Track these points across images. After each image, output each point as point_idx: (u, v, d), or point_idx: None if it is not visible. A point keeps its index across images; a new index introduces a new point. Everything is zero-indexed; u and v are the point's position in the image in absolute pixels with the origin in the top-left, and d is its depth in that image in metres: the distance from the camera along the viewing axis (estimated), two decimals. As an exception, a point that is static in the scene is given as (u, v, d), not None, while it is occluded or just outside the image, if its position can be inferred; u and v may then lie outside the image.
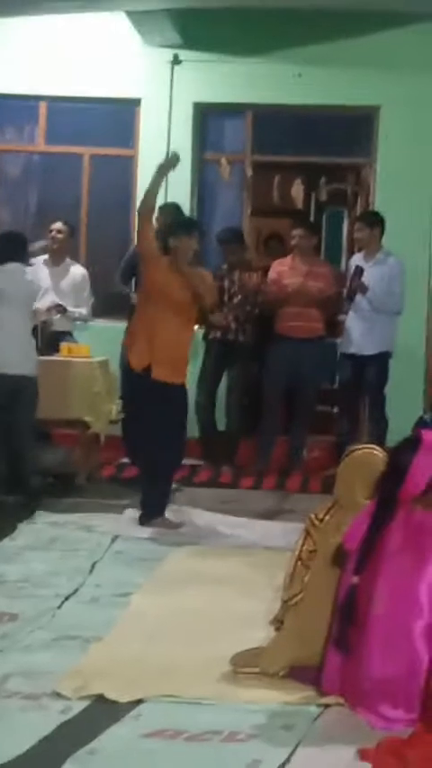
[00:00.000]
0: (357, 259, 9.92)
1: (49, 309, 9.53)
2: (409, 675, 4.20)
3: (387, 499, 4.43)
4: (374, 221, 9.88)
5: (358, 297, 9.65)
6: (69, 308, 9.77)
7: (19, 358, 8.16)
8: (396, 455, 4.51)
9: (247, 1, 10.41)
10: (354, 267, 9.73)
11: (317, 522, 4.67)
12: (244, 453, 10.03)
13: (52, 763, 3.78)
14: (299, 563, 4.64)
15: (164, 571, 6.49)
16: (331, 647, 4.45)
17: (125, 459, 9.75)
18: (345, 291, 9.78)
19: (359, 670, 4.30)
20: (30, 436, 8.35)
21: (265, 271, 10.37)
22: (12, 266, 8.25)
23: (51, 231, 9.93)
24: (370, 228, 9.82)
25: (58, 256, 9.87)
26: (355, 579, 4.37)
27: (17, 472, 8.31)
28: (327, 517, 4.66)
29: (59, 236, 9.89)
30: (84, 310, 9.97)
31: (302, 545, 4.67)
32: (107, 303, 10.56)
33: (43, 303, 9.62)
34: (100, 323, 10.57)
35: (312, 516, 4.70)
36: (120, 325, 10.02)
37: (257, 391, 10.24)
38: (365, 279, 9.60)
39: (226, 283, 9.83)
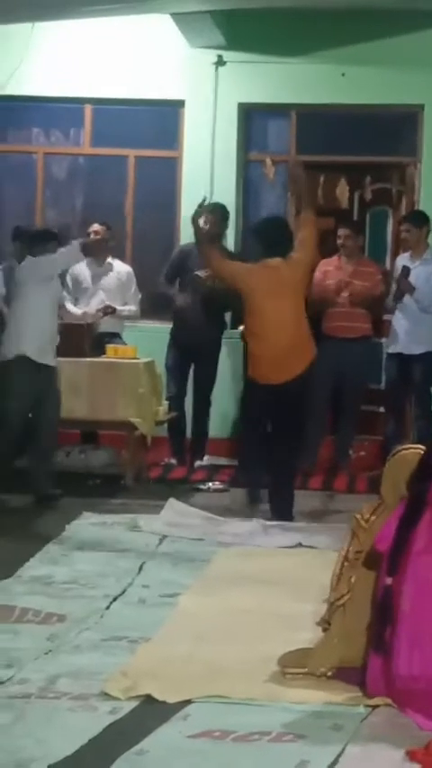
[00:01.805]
0: (404, 259, 9.89)
1: (97, 311, 9.58)
2: None
3: (416, 500, 4.43)
4: (423, 221, 9.85)
5: (406, 297, 9.62)
6: (118, 307, 9.80)
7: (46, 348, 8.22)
8: (427, 456, 4.51)
9: (291, 1, 10.40)
10: (401, 268, 9.70)
11: (363, 523, 4.66)
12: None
13: (101, 763, 3.80)
14: (345, 564, 4.64)
15: (211, 572, 6.50)
16: (372, 649, 4.45)
17: (171, 461, 9.81)
18: (392, 292, 9.76)
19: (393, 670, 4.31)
20: (50, 429, 8.36)
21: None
22: (30, 259, 8.37)
23: (90, 233, 9.98)
24: (419, 229, 9.79)
25: (99, 256, 9.90)
26: (388, 580, 4.37)
27: (34, 469, 8.31)
28: (373, 517, 4.65)
29: (97, 236, 9.93)
30: (133, 307, 10.00)
31: (349, 546, 4.66)
32: (153, 304, 10.58)
33: (92, 305, 9.68)
34: (146, 324, 10.60)
35: (358, 516, 4.69)
36: (165, 326, 10.10)
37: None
38: (412, 279, 9.57)
39: None
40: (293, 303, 7.95)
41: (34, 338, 8.21)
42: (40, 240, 8.47)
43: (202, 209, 8.28)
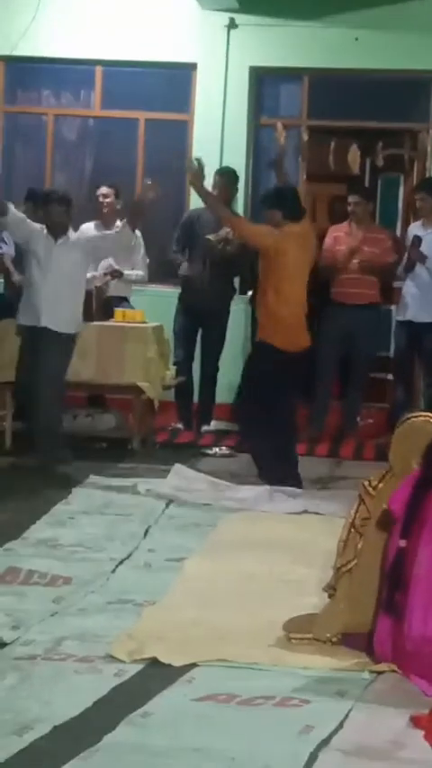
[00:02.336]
0: (416, 227, 9.84)
1: (105, 274, 9.55)
2: None
3: None
4: None
5: (417, 266, 9.59)
6: (126, 271, 9.77)
7: (51, 313, 8.12)
8: None
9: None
10: (412, 237, 9.65)
11: (370, 490, 4.66)
12: (298, 420, 10.00)
13: (106, 725, 3.81)
14: (352, 530, 4.64)
15: (217, 536, 6.50)
16: (381, 613, 4.45)
17: (178, 426, 9.81)
18: (403, 261, 9.72)
19: (404, 632, 4.31)
20: (50, 394, 8.18)
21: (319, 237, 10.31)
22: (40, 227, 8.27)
23: (98, 196, 9.94)
24: (432, 197, 9.72)
25: (107, 220, 9.84)
26: (402, 543, 4.37)
27: (35, 429, 8.28)
28: (380, 485, 4.64)
29: (107, 200, 9.89)
30: (141, 272, 9.97)
31: (356, 512, 4.66)
32: (162, 269, 10.55)
33: (99, 268, 9.65)
34: (154, 288, 10.57)
35: (366, 483, 4.69)
36: (173, 291, 10.07)
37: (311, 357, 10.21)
38: (424, 247, 9.53)
39: None
40: (308, 269, 7.96)
41: (74, 313, 8.25)
42: (56, 204, 8.34)
43: (195, 169, 8.19)
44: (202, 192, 8.13)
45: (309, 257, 7.93)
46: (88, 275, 9.20)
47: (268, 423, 7.84)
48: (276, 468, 7.84)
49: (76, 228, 8.72)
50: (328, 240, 9.90)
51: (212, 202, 8.29)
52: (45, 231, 8.19)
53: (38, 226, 8.24)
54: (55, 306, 8.08)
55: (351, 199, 9.97)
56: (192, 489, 7.63)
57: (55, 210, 8.19)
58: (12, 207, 8.27)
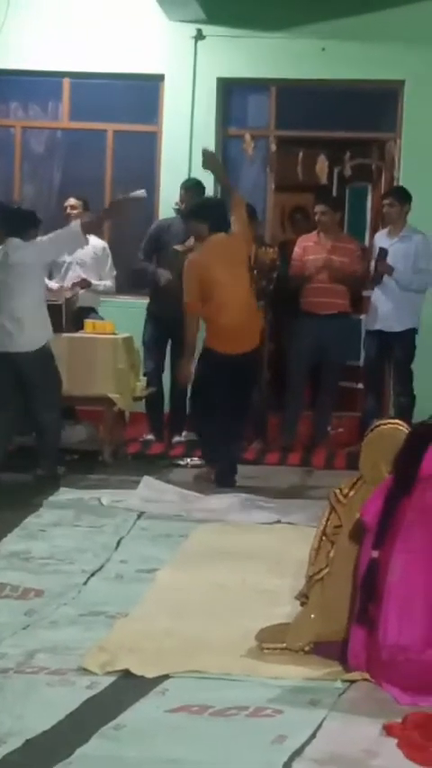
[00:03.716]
0: (381, 236, 9.87)
1: (73, 285, 9.53)
2: (424, 644, 4.22)
3: (404, 475, 4.45)
4: (406, 198, 9.79)
5: (385, 277, 9.61)
6: (94, 282, 9.76)
7: (17, 335, 8.10)
8: (417, 432, 4.52)
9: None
10: (378, 250, 9.68)
11: (341, 498, 4.67)
12: (269, 429, 10.01)
13: (78, 738, 3.79)
14: (324, 538, 4.65)
15: (189, 547, 6.50)
16: (354, 624, 4.46)
17: (150, 437, 9.79)
18: (371, 274, 9.75)
19: (378, 641, 4.32)
20: (48, 411, 8.27)
21: (282, 246, 10.34)
22: (12, 242, 8.20)
23: (66, 207, 9.94)
24: (401, 204, 9.74)
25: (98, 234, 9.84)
26: (374, 554, 4.38)
27: (39, 448, 8.30)
28: (351, 493, 4.66)
29: (73, 211, 9.89)
30: (108, 282, 9.97)
31: (327, 520, 4.67)
32: (131, 279, 10.54)
33: (67, 280, 9.64)
34: (124, 299, 10.57)
35: (337, 491, 4.70)
36: (142, 302, 10.06)
37: (280, 367, 10.24)
38: (390, 257, 9.56)
39: None
40: (245, 274, 8.36)
41: (39, 326, 8.22)
42: (23, 224, 8.32)
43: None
44: (222, 178, 8.78)
45: (239, 261, 8.28)
46: (55, 286, 9.21)
47: (213, 421, 8.22)
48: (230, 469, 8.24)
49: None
50: (297, 250, 9.92)
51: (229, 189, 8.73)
52: None
53: None
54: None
55: (318, 208, 9.98)
56: (162, 500, 7.62)
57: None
58: None
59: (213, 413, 8.22)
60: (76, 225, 8.52)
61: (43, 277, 8.54)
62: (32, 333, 8.14)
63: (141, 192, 8.54)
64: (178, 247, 9.52)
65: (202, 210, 8.40)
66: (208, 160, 8.59)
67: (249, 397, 8.57)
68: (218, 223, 8.20)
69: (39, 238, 8.31)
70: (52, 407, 8.27)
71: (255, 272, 9.72)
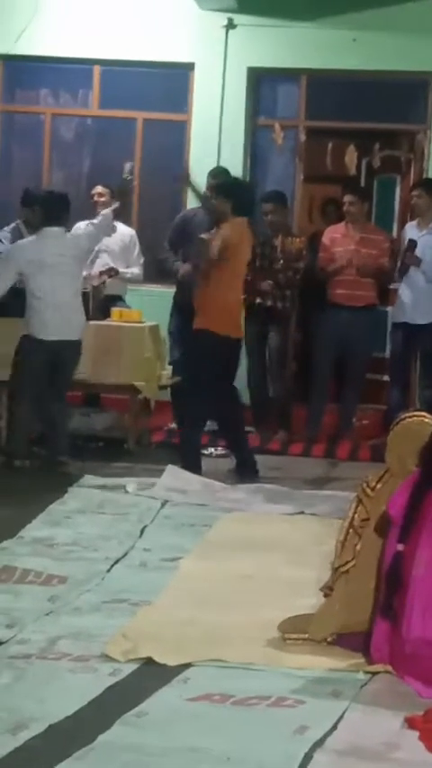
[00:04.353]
0: (411, 228, 9.84)
1: (101, 274, 9.53)
2: None
3: (431, 469, 4.43)
4: None
5: (412, 269, 9.58)
6: (121, 270, 9.77)
7: (59, 324, 8.11)
8: None
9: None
10: (407, 241, 9.65)
11: (369, 491, 4.65)
12: (294, 421, 10.01)
13: (101, 724, 3.80)
14: (351, 531, 4.64)
15: (212, 537, 6.50)
16: (378, 617, 4.45)
17: (174, 426, 9.78)
18: (398, 265, 9.72)
19: (401, 634, 4.31)
20: (63, 400, 8.35)
21: (310, 238, 10.31)
22: (51, 231, 8.20)
23: (93, 195, 9.93)
24: (429, 196, 9.69)
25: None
26: (400, 547, 4.37)
27: (50, 436, 8.30)
28: (379, 485, 4.64)
29: (101, 199, 9.88)
30: (136, 269, 9.96)
31: (354, 512, 4.66)
32: (158, 268, 10.53)
33: (95, 267, 9.64)
34: (151, 288, 10.57)
35: (365, 484, 4.69)
36: (169, 291, 10.06)
37: (306, 358, 10.22)
38: (419, 249, 9.53)
39: (267, 249, 9.77)
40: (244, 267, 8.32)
41: (79, 315, 8.27)
42: (61, 209, 8.33)
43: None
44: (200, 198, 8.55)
45: (245, 250, 8.20)
46: (84, 273, 9.21)
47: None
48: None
49: (69, 228, 8.70)
50: (324, 241, 9.89)
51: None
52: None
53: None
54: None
55: (347, 198, 9.95)
56: (186, 490, 7.63)
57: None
58: None
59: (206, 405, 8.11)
60: (108, 212, 8.54)
61: (82, 267, 8.55)
62: (74, 322, 8.17)
63: (128, 166, 8.59)
64: (204, 236, 9.49)
65: (229, 189, 8.31)
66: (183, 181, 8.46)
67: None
68: (242, 206, 8.05)
69: (77, 225, 8.32)
70: (65, 396, 8.31)
71: (281, 261, 9.73)
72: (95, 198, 9.91)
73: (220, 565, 5.83)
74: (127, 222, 10.40)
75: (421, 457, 4.52)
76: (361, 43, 10.90)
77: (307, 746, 3.70)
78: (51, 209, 8.27)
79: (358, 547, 4.61)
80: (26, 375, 8.13)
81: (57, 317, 8.08)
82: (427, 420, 4.71)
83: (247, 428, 9.78)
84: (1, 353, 8.55)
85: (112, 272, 9.65)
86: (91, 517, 6.83)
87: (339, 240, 9.85)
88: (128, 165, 8.70)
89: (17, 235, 9.12)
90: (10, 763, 3.52)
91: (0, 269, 8.21)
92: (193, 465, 8.02)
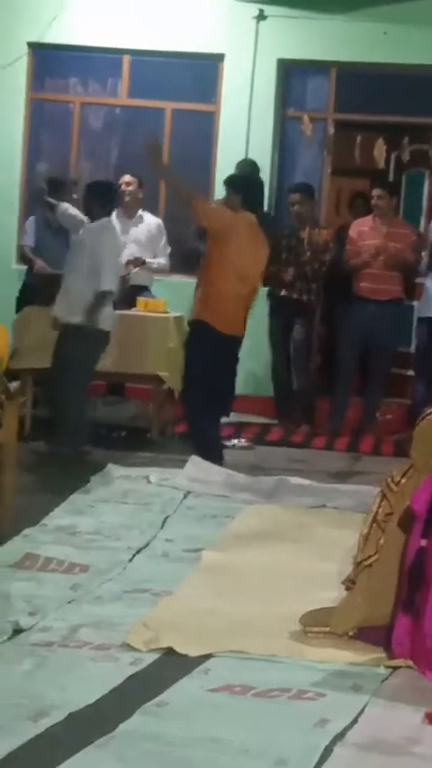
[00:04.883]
0: (439, 223, 9.83)
1: (127, 264, 9.54)
2: None
3: None
4: None
5: (440, 263, 9.58)
6: (148, 260, 9.76)
7: (107, 314, 8.09)
8: None
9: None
10: (435, 234, 9.64)
11: (393, 486, 4.64)
12: (318, 414, 10.00)
13: (121, 713, 3.81)
14: (374, 525, 4.63)
15: (234, 528, 6.50)
16: (400, 612, 4.45)
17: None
18: (425, 258, 9.69)
19: (423, 629, 4.30)
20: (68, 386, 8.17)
21: (338, 230, 10.29)
22: (102, 222, 8.19)
23: (120, 184, 9.93)
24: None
25: (130, 208, 9.84)
26: (423, 542, 4.36)
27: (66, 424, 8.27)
28: (403, 480, 4.63)
29: (129, 188, 9.87)
30: (163, 260, 9.95)
31: (378, 507, 4.65)
32: (184, 258, 10.54)
33: (122, 257, 9.63)
34: (177, 278, 10.56)
35: (389, 479, 4.68)
36: (195, 281, 10.05)
37: (330, 352, 10.21)
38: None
39: (293, 241, 9.76)
40: (258, 271, 8.16)
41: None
42: (110, 198, 8.33)
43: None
44: (160, 167, 8.34)
45: (258, 252, 8.05)
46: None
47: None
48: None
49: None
50: (351, 235, 9.88)
51: (169, 177, 8.49)
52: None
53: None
54: None
55: (375, 192, 9.94)
56: (208, 481, 7.63)
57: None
58: None
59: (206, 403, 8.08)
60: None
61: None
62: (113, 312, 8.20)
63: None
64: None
65: (239, 182, 8.32)
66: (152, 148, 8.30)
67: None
68: (250, 201, 8.05)
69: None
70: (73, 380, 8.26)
71: (308, 253, 9.72)
72: (123, 187, 9.91)
73: (242, 556, 5.83)
74: (154, 212, 10.40)
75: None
76: (391, 36, 10.86)
77: (327, 739, 3.69)
78: (106, 200, 8.27)
79: (381, 541, 4.60)
80: (91, 365, 8.14)
81: (111, 307, 8.16)
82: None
83: (271, 420, 9.85)
84: (31, 342, 8.63)
85: (138, 262, 9.66)
86: (114, 506, 6.84)
87: (366, 233, 9.84)
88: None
89: (42, 224, 9.18)
90: (31, 750, 3.53)
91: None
92: (212, 457, 7.99)
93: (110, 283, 8.02)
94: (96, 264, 7.99)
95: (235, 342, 8.09)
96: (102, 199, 8.28)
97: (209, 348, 7.92)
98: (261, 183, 8.63)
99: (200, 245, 9.85)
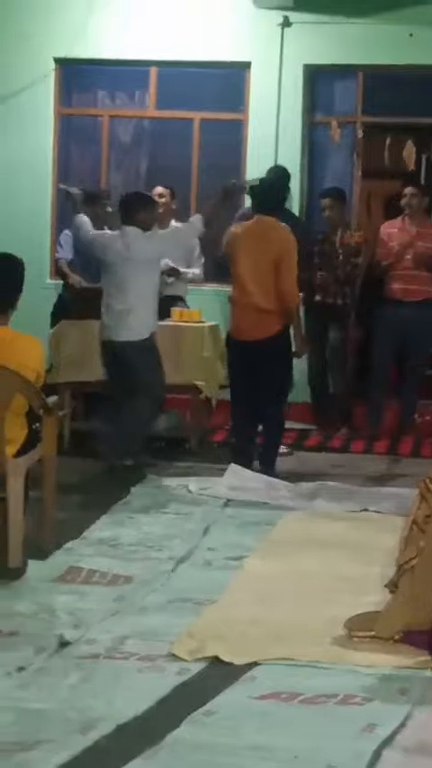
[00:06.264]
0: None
1: (162, 273, 9.53)
2: None
3: None
4: None
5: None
6: (182, 270, 9.77)
7: (120, 325, 8.09)
8: None
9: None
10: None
11: (431, 487, 4.64)
12: (355, 417, 9.98)
13: (169, 724, 3.82)
14: (414, 527, 4.63)
15: (276, 535, 6.51)
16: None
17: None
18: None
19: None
20: (137, 400, 8.13)
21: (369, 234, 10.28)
22: (130, 232, 8.19)
23: (153, 196, 9.92)
24: None
25: (162, 219, 9.84)
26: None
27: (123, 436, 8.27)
28: (442, 482, 4.63)
29: (162, 199, 9.86)
30: (197, 270, 9.94)
31: (418, 509, 4.65)
32: (217, 268, 10.54)
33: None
34: (211, 287, 10.58)
35: (427, 480, 4.68)
36: (228, 290, 10.06)
37: (365, 355, 10.19)
38: None
39: (326, 246, 9.76)
40: (268, 267, 8.09)
41: (145, 318, 8.15)
42: (140, 209, 8.32)
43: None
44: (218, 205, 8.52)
45: (265, 251, 8.04)
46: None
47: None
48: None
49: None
50: (382, 237, 9.86)
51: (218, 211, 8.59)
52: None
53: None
54: None
55: (408, 190, 9.88)
56: (248, 488, 7.63)
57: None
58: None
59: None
60: (197, 219, 8.49)
61: (159, 270, 8.53)
62: (136, 324, 8.12)
63: (254, 180, 8.71)
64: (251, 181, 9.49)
65: (252, 188, 8.45)
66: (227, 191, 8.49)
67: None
68: (263, 205, 8.17)
69: (159, 232, 8.37)
70: (142, 394, 8.23)
71: (340, 257, 9.71)
72: (156, 198, 9.91)
73: (284, 563, 5.84)
74: (185, 222, 10.38)
75: None
76: (417, 38, 10.84)
77: (375, 744, 3.69)
78: (131, 211, 8.24)
79: (422, 543, 4.60)
80: (160, 374, 8.17)
81: (116, 319, 8.16)
82: None
83: (309, 426, 9.83)
84: (68, 356, 8.69)
85: (173, 273, 9.66)
86: (155, 517, 6.86)
87: (396, 234, 9.82)
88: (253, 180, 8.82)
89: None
90: (81, 763, 3.55)
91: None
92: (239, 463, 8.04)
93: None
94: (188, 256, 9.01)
95: (250, 347, 8.07)
96: (143, 210, 8.27)
97: (228, 353, 8.40)
98: (275, 186, 8.67)
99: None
